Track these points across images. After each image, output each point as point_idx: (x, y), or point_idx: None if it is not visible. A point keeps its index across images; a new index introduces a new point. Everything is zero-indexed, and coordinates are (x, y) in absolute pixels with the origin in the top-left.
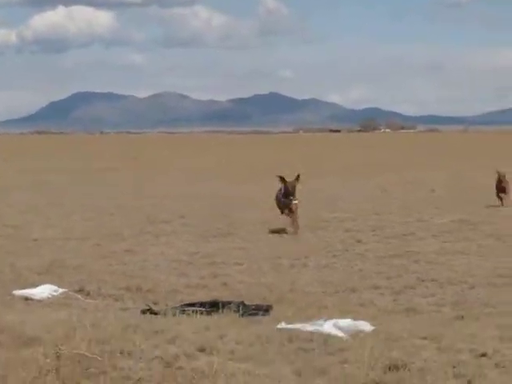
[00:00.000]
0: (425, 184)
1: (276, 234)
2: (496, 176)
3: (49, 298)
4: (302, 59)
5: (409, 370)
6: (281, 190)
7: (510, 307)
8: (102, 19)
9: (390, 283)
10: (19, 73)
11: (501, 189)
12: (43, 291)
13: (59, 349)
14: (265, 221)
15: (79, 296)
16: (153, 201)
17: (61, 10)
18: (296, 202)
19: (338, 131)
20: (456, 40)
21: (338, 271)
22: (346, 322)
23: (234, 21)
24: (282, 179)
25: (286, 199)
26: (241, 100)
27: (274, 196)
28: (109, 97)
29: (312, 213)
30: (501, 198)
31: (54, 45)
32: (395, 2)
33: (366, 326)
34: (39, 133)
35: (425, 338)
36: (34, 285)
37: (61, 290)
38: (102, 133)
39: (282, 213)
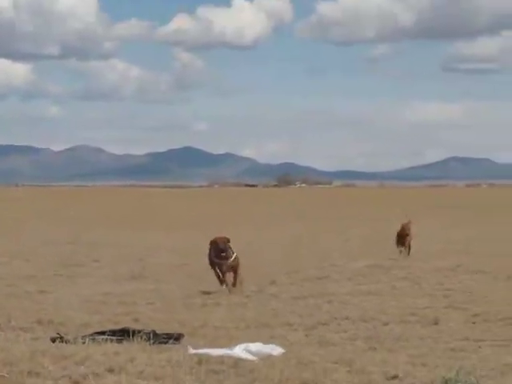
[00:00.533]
0: (340, 234)
1: (190, 276)
2: (400, 226)
3: None
4: (217, 113)
5: None
6: (210, 250)
7: (422, 341)
8: (18, 71)
9: (303, 320)
10: None
11: (400, 240)
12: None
13: None
14: (179, 264)
15: None
16: (68, 247)
17: None
18: (232, 259)
19: (255, 186)
20: (373, 95)
21: (250, 309)
22: (256, 346)
23: (150, 74)
24: (212, 242)
25: (217, 258)
26: (157, 154)
27: (189, 244)
28: (24, 149)
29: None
30: (400, 251)
31: None
32: (314, 58)
33: (276, 350)
34: None
35: (336, 363)
36: None
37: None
38: (17, 185)
39: (218, 276)
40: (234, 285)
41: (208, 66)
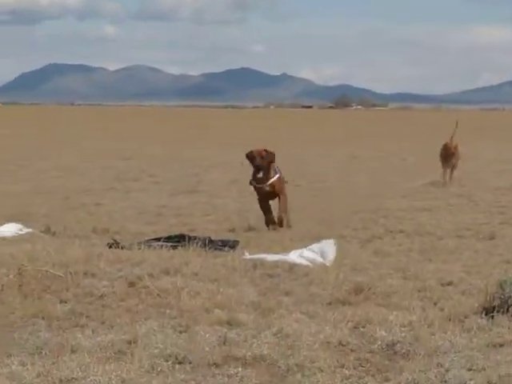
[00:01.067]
0: (396, 154)
1: (244, 191)
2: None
3: (13, 236)
4: (275, 34)
5: (374, 292)
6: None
7: (477, 254)
8: None
9: (358, 233)
10: None
11: (446, 160)
12: (8, 229)
13: (22, 265)
14: (234, 180)
15: (45, 235)
16: (124, 162)
17: None
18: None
19: (310, 107)
20: (431, 17)
21: (304, 222)
22: (311, 251)
23: None
24: (248, 156)
25: (255, 180)
26: (214, 75)
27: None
28: (80, 69)
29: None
30: (445, 171)
31: (26, 16)
32: None
33: (331, 254)
34: (9, 104)
35: (391, 269)
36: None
37: (26, 230)
38: (72, 104)
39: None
40: (279, 222)
41: None
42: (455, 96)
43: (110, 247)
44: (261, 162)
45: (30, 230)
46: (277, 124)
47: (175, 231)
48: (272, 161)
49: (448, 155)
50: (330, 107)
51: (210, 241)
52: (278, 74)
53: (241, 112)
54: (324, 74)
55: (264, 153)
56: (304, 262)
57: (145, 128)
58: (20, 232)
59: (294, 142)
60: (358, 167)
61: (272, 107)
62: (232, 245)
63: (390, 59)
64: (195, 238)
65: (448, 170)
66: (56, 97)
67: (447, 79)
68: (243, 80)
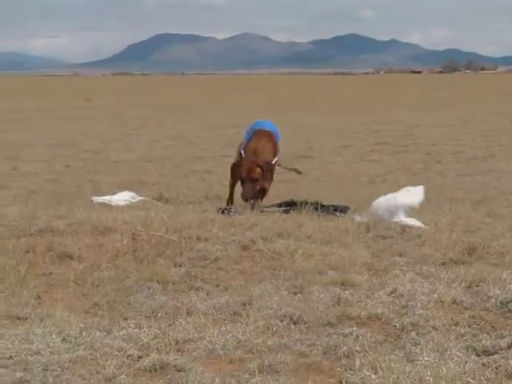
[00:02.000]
0: (507, 116)
1: (354, 156)
2: None
3: (127, 203)
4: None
5: (487, 252)
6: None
7: None
8: None
9: (470, 195)
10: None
11: None
12: (122, 198)
13: (136, 230)
14: (343, 145)
15: (158, 203)
16: (234, 130)
17: None
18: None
19: (420, 72)
20: None
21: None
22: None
23: None
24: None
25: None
26: (322, 41)
27: (352, 127)
28: (189, 38)
29: (390, 138)
30: None
31: None
32: None
33: (417, 198)
34: (120, 74)
35: (504, 229)
36: (114, 193)
37: (139, 198)
38: (183, 74)
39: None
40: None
41: None
42: None
43: (222, 213)
44: (252, 188)
45: (142, 197)
46: (387, 89)
47: (287, 197)
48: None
49: None
50: (439, 72)
51: (322, 205)
52: (387, 39)
53: (351, 79)
54: (432, 38)
55: (257, 173)
56: (417, 223)
57: (254, 96)
58: (133, 200)
59: (402, 106)
60: (469, 131)
61: (382, 73)
62: (343, 209)
63: (499, 22)
64: (306, 203)
65: None
66: (165, 67)
67: None
68: (352, 46)
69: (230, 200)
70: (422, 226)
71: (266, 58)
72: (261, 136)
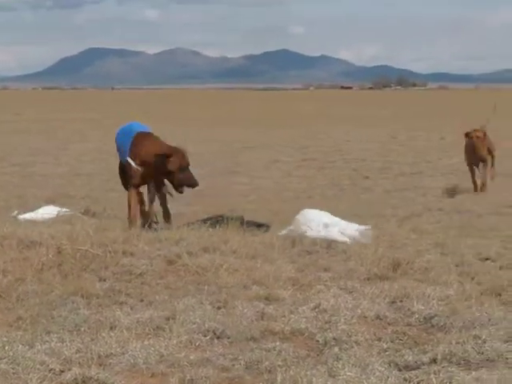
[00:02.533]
0: (434, 133)
1: (283, 171)
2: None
3: (52, 217)
4: (313, 15)
5: (411, 268)
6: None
7: None
8: None
9: (396, 211)
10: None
11: (476, 156)
12: (46, 212)
13: (62, 244)
14: (272, 161)
15: (84, 216)
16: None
17: None
18: None
19: (350, 88)
20: None
21: (344, 201)
22: (350, 228)
23: None
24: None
25: None
26: (253, 56)
27: (282, 142)
28: (121, 53)
29: (318, 154)
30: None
31: (67, 0)
32: None
33: (367, 232)
34: (50, 88)
35: (429, 245)
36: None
37: (65, 210)
38: (113, 89)
39: None
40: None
41: None
42: (497, 75)
43: (149, 227)
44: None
45: (69, 211)
46: (316, 105)
47: (215, 212)
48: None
49: (475, 149)
50: (370, 88)
51: (247, 221)
52: (317, 55)
53: (281, 94)
54: (363, 54)
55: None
56: (343, 238)
57: (184, 111)
58: (58, 214)
59: (331, 122)
60: (397, 147)
61: (311, 88)
62: (267, 226)
63: (429, 39)
64: (232, 218)
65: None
66: (96, 81)
67: (487, 58)
68: (282, 61)
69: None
70: (348, 241)
71: (197, 73)
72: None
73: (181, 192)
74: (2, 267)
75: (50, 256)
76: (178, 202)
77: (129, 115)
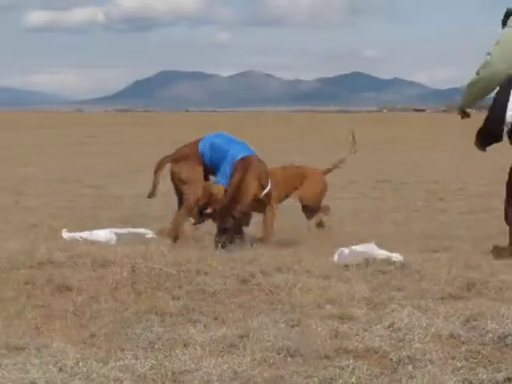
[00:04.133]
0: (510, 153)
1: (359, 194)
2: None
3: (124, 239)
4: (387, 38)
5: (486, 287)
6: None
7: None
8: None
9: (471, 233)
10: (105, 51)
11: None
12: (121, 231)
13: (136, 263)
14: (349, 181)
15: (159, 236)
16: None
17: None
18: None
19: (423, 110)
20: None
21: (418, 223)
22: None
23: (321, 0)
24: None
25: None
26: (326, 79)
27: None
28: (194, 76)
29: (392, 175)
30: None
31: (141, 23)
32: None
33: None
34: (124, 111)
35: (503, 265)
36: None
37: (140, 232)
38: (187, 111)
39: None
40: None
41: None
42: None
43: (223, 247)
44: None
45: (144, 231)
46: (390, 127)
47: (288, 233)
48: None
49: None
50: (444, 110)
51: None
52: (391, 77)
53: (355, 116)
54: (437, 77)
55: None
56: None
57: (258, 133)
58: (118, 233)
59: (405, 144)
60: (472, 168)
61: (385, 111)
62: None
63: None
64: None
65: None
66: (170, 104)
67: None
68: (356, 84)
69: None
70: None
71: (270, 96)
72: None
73: None
74: (76, 285)
75: (125, 274)
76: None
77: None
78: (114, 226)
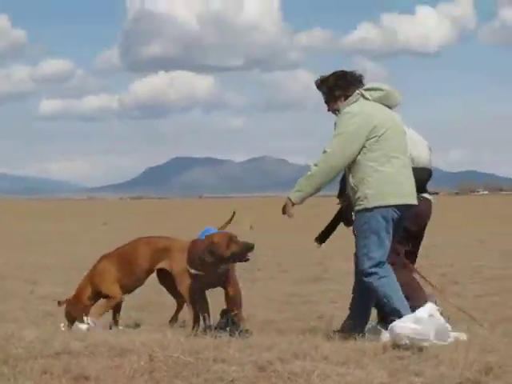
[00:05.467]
0: None
1: None
2: None
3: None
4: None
5: (504, 371)
6: None
7: None
8: (202, 84)
9: (487, 316)
10: (118, 138)
11: None
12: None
13: (153, 351)
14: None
15: (175, 324)
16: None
17: (162, 75)
18: None
19: (437, 193)
20: None
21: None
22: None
23: None
24: None
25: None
26: None
27: None
28: (207, 161)
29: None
30: None
31: (154, 110)
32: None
33: (462, 336)
34: (137, 198)
35: None
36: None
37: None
38: (200, 197)
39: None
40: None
41: (391, 74)
42: None
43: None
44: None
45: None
46: None
47: (304, 318)
48: None
49: None
50: (456, 193)
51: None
52: None
53: None
54: (449, 160)
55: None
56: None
57: (270, 217)
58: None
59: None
60: (486, 251)
61: None
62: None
63: None
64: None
65: None
66: (184, 190)
67: None
68: None
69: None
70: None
71: (284, 181)
72: None
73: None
74: (93, 375)
75: (142, 363)
76: (267, 308)
77: (215, 222)
78: (128, 314)
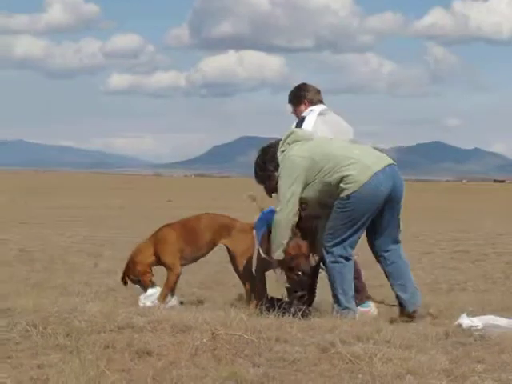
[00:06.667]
0: None
1: (436, 264)
2: None
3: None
4: (468, 108)
5: None
6: None
7: None
8: (271, 64)
9: None
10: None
11: None
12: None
13: (216, 329)
14: (425, 252)
15: (237, 303)
16: None
17: (231, 54)
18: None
19: (503, 181)
20: None
21: (496, 294)
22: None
23: (402, 68)
24: None
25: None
26: (403, 148)
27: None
28: None
29: (471, 246)
30: None
31: (222, 89)
32: None
33: None
34: (201, 176)
35: None
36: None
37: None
38: None
39: None
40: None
41: (462, 60)
42: None
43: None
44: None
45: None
46: (470, 197)
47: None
48: None
49: None
50: None
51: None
52: (471, 148)
53: (432, 185)
54: None
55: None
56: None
57: None
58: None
59: (483, 214)
60: None
61: (464, 181)
62: None
63: None
64: None
65: None
66: (248, 170)
67: None
68: (435, 153)
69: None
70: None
71: None
72: None
73: None
74: (156, 351)
75: (204, 341)
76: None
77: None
78: (192, 291)
